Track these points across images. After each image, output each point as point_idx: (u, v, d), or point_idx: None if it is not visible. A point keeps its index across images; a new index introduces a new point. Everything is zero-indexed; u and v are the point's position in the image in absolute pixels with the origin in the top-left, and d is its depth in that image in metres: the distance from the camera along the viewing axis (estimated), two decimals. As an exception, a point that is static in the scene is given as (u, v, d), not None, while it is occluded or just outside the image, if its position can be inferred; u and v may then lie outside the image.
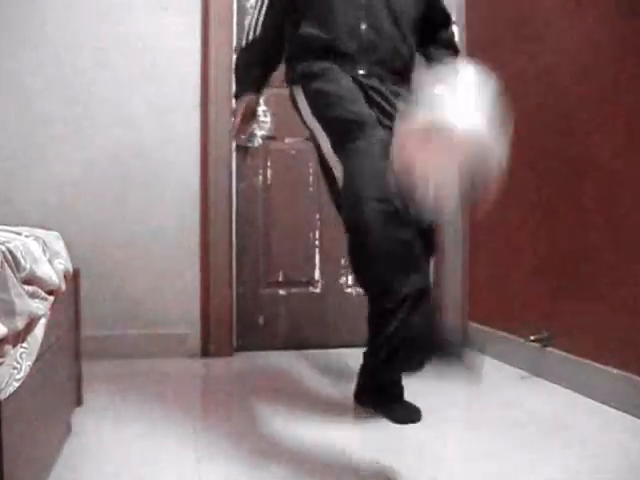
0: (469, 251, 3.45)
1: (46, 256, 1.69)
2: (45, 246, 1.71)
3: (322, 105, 2.18)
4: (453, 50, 2.50)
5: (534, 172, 2.89)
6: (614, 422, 2.24)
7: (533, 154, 2.90)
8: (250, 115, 2.48)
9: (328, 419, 2.34)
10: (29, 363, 1.40)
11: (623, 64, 2.36)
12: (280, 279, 3.40)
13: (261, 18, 2.46)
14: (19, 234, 1.61)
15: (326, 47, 2.25)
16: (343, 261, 3.44)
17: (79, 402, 2.20)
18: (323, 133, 2.16)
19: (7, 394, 1.24)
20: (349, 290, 3.48)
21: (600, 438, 2.10)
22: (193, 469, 1.87)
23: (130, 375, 2.87)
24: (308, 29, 2.30)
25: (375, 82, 2.25)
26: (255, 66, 2.46)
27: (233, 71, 2.60)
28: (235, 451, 2.02)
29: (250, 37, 2.46)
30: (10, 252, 1.35)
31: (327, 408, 2.45)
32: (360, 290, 3.41)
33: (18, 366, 1.33)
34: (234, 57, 3.25)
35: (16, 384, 1.30)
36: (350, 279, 3.47)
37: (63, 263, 1.87)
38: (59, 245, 1.92)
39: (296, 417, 2.36)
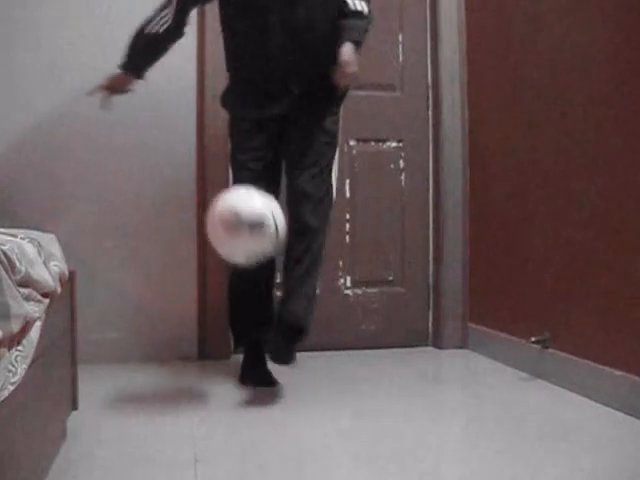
0: (469, 252, 3.44)
1: (41, 258, 1.67)
2: (40, 248, 1.70)
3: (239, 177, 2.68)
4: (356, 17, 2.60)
5: (534, 171, 2.88)
6: (615, 424, 2.23)
7: (532, 152, 2.89)
8: (116, 90, 2.72)
9: (326, 420, 2.33)
10: (24, 366, 1.39)
11: (622, 64, 2.35)
12: (278, 280, 3.37)
13: (171, 14, 2.60)
14: (14, 236, 1.60)
15: (239, 77, 2.65)
16: (341, 262, 3.42)
17: (75, 406, 2.18)
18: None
19: (2, 398, 1.23)
20: (348, 291, 3.47)
21: (601, 440, 2.09)
22: (191, 471, 1.85)
23: (126, 378, 2.85)
24: (229, 56, 2.65)
25: (284, 108, 2.58)
26: (145, 53, 2.67)
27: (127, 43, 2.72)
28: (232, 452, 2.02)
29: (157, 28, 2.61)
30: (5, 254, 1.34)
31: (325, 410, 2.44)
32: (359, 292, 3.44)
33: (13, 369, 1.31)
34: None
35: (11, 387, 1.28)
36: (349, 280, 3.46)
37: (58, 265, 1.85)
38: (54, 247, 1.91)
39: (294, 417, 2.35)
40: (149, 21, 2.60)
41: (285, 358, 2.64)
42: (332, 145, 2.67)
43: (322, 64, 2.55)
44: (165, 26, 2.59)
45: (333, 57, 2.49)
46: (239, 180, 2.62)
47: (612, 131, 2.41)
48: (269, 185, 2.55)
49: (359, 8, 2.58)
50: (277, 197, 2.55)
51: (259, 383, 2.72)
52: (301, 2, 2.52)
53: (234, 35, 2.63)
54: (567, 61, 2.65)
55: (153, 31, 2.59)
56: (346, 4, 2.59)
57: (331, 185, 2.68)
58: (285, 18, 2.51)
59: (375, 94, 3.41)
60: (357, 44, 2.53)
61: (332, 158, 2.68)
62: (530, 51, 2.91)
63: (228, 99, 2.74)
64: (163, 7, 2.61)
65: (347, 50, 2.47)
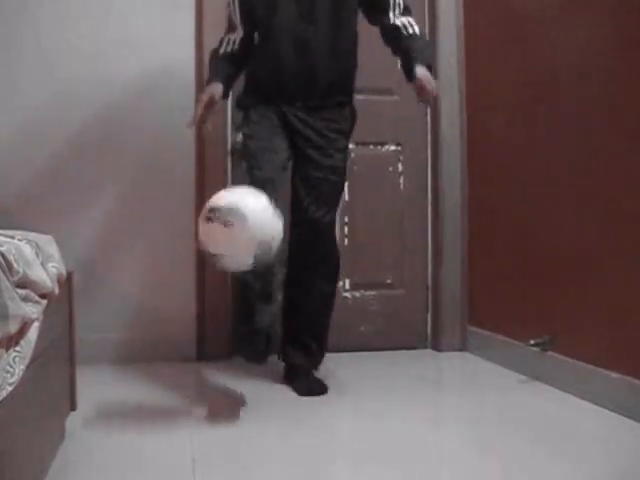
0: (468, 254, 3.44)
1: (39, 259, 1.67)
2: (38, 249, 1.70)
3: (242, 157, 2.62)
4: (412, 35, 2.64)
5: (532, 174, 2.88)
6: (614, 426, 2.23)
7: (531, 155, 2.89)
8: (210, 104, 2.55)
9: (325, 422, 2.33)
10: (22, 367, 1.39)
11: (622, 63, 2.36)
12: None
13: (239, 35, 2.65)
14: (12, 237, 1.59)
15: (259, 80, 2.65)
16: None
17: (73, 407, 2.18)
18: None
19: (0, 398, 1.23)
20: (347, 294, 3.47)
21: (599, 442, 2.09)
22: (189, 472, 1.85)
23: (125, 379, 2.85)
24: (254, 62, 2.65)
25: (303, 114, 2.61)
26: (227, 64, 2.64)
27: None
28: (231, 454, 2.01)
29: (229, 49, 2.65)
30: (3, 255, 1.35)
31: (324, 411, 2.44)
32: (357, 294, 3.44)
33: (11, 370, 1.32)
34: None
35: (9, 388, 1.28)
36: (348, 283, 3.45)
37: (56, 266, 1.85)
38: (52, 248, 1.91)
39: (293, 419, 2.35)
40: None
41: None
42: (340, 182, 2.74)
43: (330, 83, 2.61)
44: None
45: (342, 79, 2.65)
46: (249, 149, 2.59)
47: (613, 130, 2.41)
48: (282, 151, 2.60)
49: (416, 31, 2.63)
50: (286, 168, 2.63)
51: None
52: (313, 18, 2.54)
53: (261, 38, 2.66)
54: (566, 63, 2.66)
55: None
56: (398, 29, 2.63)
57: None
58: (297, 31, 2.55)
59: (374, 98, 3.41)
60: (430, 67, 2.57)
61: (339, 192, 2.76)
62: (528, 54, 2.91)
63: (243, 100, 2.73)
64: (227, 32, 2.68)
65: (424, 73, 2.50)
